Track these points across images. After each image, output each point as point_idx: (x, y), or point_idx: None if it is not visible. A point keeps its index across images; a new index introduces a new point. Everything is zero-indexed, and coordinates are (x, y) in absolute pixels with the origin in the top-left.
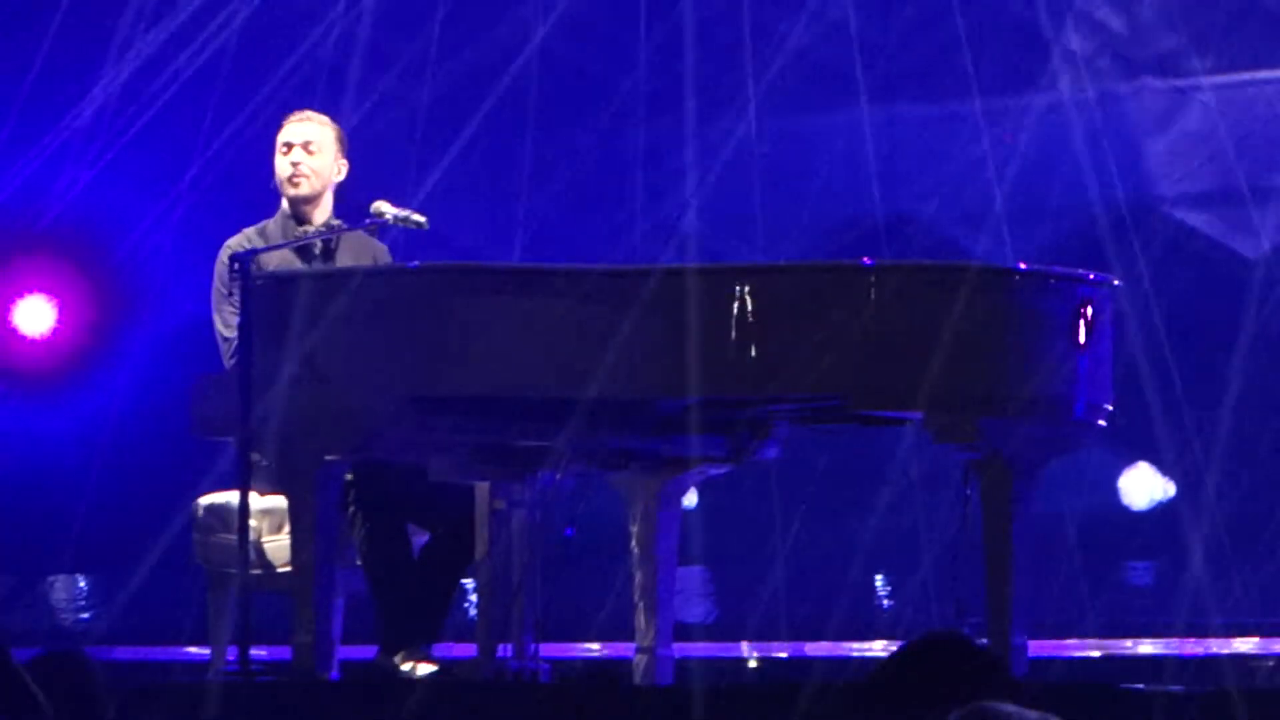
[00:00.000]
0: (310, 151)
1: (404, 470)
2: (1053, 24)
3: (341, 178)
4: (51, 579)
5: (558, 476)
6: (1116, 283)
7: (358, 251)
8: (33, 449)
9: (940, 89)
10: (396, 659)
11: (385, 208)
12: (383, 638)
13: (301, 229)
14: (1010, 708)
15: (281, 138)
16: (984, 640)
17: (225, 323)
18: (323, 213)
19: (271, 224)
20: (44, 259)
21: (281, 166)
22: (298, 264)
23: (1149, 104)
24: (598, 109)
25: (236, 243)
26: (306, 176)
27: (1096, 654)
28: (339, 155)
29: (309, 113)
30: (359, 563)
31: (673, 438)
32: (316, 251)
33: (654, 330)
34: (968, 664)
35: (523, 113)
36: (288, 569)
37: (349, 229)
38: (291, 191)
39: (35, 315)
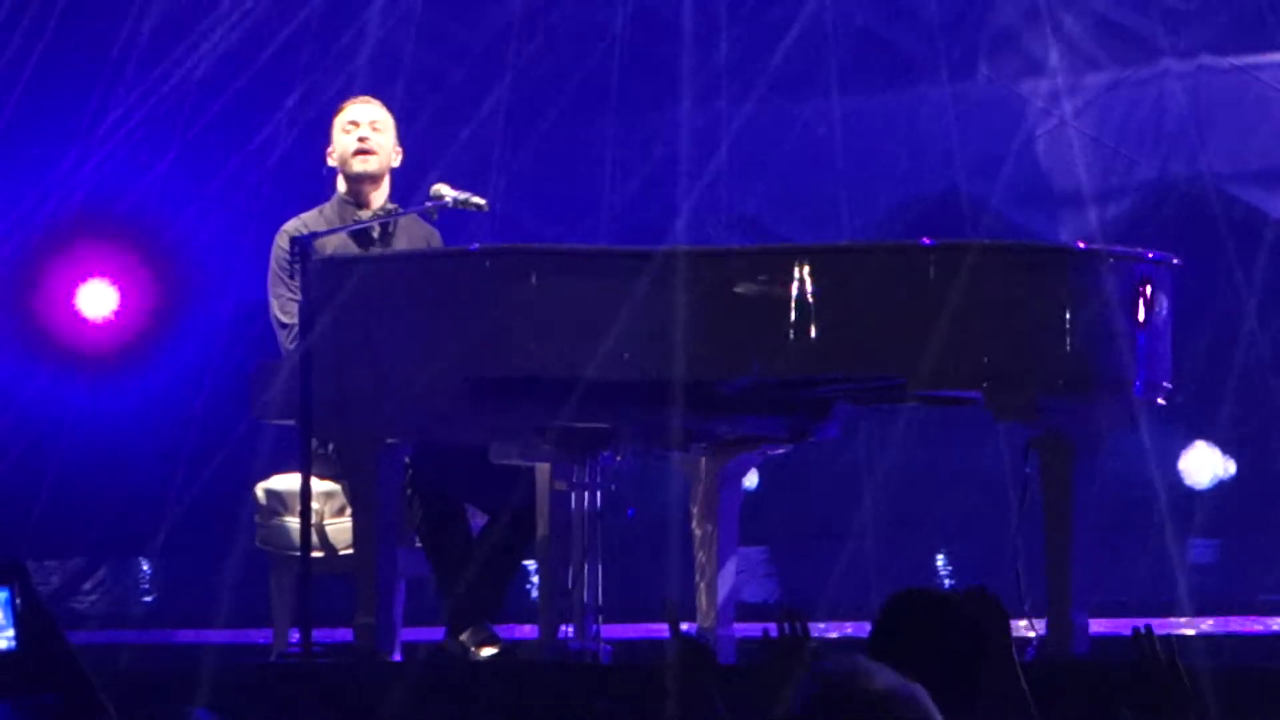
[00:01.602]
0: (376, 129)
1: (463, 452)
2: (1109, 2)
3: (397, 164)
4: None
5: (619, 458)
6: (1176, 261)
7: (413, 237)
8: (95, 432)
9: (1002, 68)
10: (463, 638)
11: (445, 190)
12: (447, 620)
13: (359, 213)
14: (870, 667)
15: (346, 117)
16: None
17: (282, 308)
18: (380, 196)
19: (328, 208)
20: (106, 244)
21: (348, 142)
22: (355, 250)
23: (1207, 83)
24: (651, 89)
25: (293, 227)
26: (374, 152)
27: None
28: (397, 142)
29: (368, 97)
30: (419, 544)
31: (733, 418)
32: (375, 236)
33: (714, 311)
34: (939, 617)
35: (577, 92)
36: (349, 551)
37: (406, 212)
38: (359, 166)
39: (98, 299)
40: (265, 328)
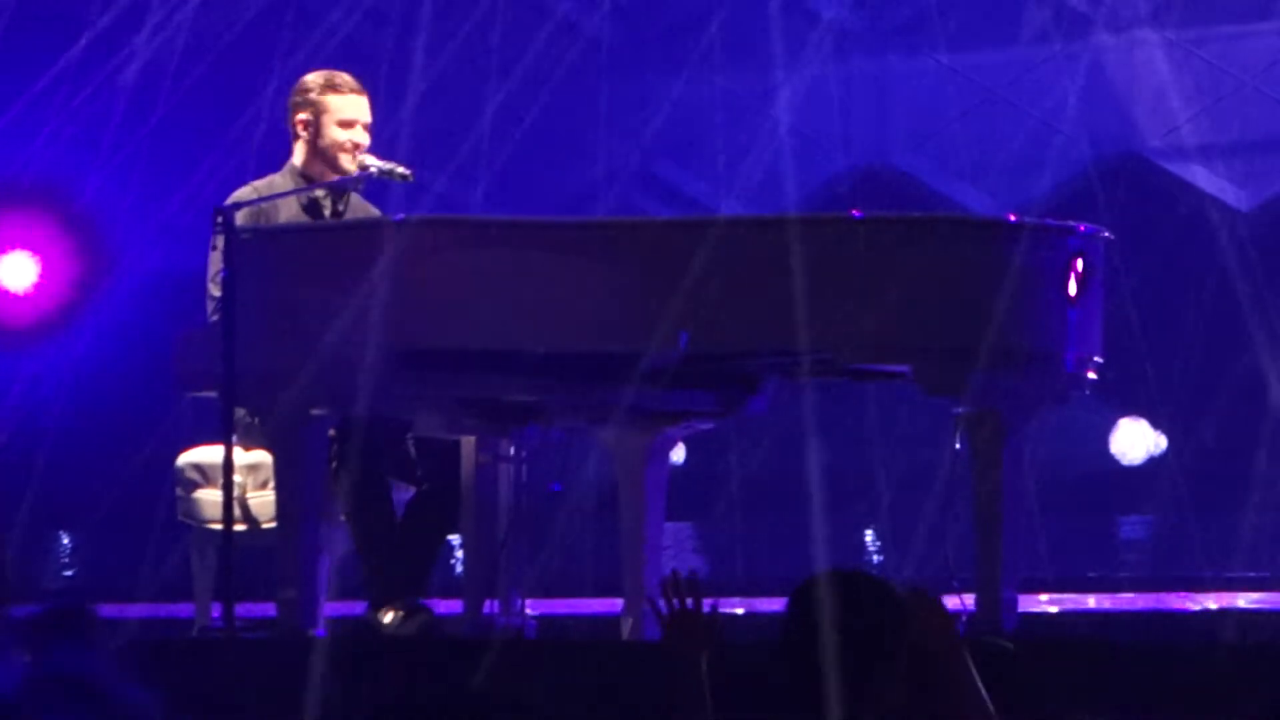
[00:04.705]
0: (368, 132)
1: (388, 425)
2: None
3: None
4: None
5: (544, 431)
6: (1108, 235)
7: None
8: (17, 404)
9: (931, 41)
10: (383, 614)
11: (370, 160)
12: (369, 594)
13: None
14: None
15: (346, 110)
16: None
17: (211, 278)
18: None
19: (279, 179)
20: (27, 215)
21: (340, 136)
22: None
23: (1140, 57)
24: (570, 59)
25: (244, 194)
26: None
27: (1088, 608)
28: None
29: (358, 85)
30: (344, 518)
31: (660, 392)
32: (326, 213)
33: (641, 284)
34: (863, 597)
35: (491, 62)
36: (272, 525)
37: (334, 184)
38: (347, 165)
39: (18, 271)
40: (187, 298)
